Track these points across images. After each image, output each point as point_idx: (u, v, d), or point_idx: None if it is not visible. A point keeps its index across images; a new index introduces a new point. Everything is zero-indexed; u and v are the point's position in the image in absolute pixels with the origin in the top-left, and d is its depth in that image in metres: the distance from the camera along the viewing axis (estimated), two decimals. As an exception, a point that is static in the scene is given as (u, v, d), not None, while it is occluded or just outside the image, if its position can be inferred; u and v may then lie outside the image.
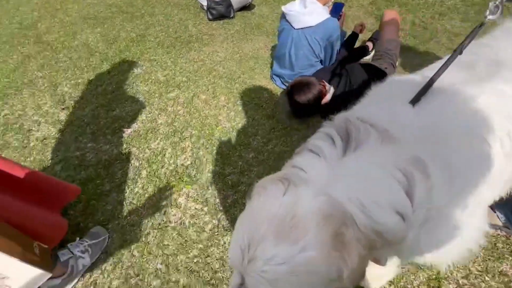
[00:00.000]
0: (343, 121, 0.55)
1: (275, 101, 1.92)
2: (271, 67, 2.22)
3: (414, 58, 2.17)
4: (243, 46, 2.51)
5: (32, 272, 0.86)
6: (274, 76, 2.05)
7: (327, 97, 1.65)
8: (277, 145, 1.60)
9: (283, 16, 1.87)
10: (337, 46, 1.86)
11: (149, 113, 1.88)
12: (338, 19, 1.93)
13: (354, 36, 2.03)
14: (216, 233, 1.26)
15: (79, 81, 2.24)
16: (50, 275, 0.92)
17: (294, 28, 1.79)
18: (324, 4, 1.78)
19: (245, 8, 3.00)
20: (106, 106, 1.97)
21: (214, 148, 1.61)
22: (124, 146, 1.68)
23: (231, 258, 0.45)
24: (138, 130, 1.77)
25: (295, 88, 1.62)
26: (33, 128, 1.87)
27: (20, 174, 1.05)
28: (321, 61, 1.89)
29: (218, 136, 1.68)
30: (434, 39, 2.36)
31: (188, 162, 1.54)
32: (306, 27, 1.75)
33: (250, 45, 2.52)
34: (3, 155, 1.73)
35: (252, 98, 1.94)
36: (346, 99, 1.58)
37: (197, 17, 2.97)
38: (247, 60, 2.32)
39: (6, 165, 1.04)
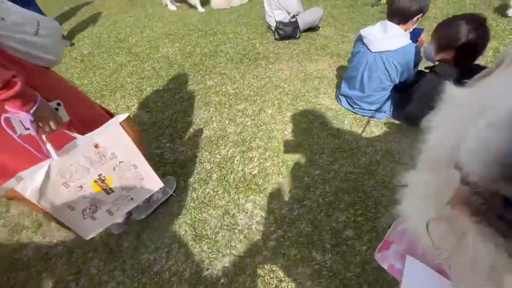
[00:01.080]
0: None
1: (340, 121, 1.94)
2: (336, 87, 2.26)
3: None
4: (307, 65, 2.60)
5: (158, 183, 1.16)
6: (340, 97, 2.08)
7: None
8: (344, 166, 1.60)
9: (360, 39, 1.91)
10: (415, 70, 1.83)
11: (220, 122, 2.06)
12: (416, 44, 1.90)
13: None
14: (281, 243, 1.30)
15: (160, 88, 2.57)
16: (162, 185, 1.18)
17: (371, 51, 1.81)
18: (405, 30, 1.78)
19: (311, 29, 3.13)
20: (182, 112, 2.21)
21: (280, 161, 1.69)
22: (198, 149, 1.86)
23: None
24: (210, 136, 1.95)
25: None
26: (124, 125, 2.20)
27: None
28: (394, 85, 1.87)
29: (284, 150, 1.75)
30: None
31: (255, 172, 1.64)
32: (384, 51, 1.76)
33: (314, 65, 2.61)
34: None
35: (317, 116, 1.99)
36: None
37: (264, 37, 3.20)
38: (311, 80, 2.40)
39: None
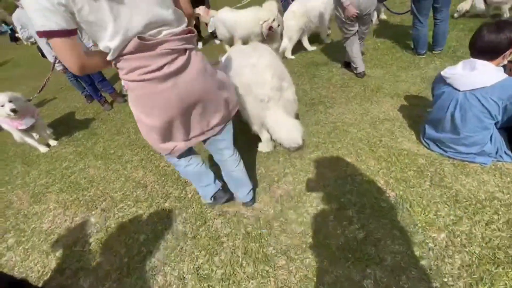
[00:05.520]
0: None
1: (438, 168, 1.70)
2: (412, 129, 2.08)
3: None
4: (370, 108, 2.49)
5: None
6: (427, 141, 1.88)
7: None
8: (475, 226, 1.32)
9: (440, 80, 1.80)
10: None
11: (295, 174, 1.89)
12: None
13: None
14: None
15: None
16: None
17: (459, 91, 1.67)
18: (497, 65, 1.65)
19: (353, 70, 3.10)
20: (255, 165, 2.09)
21: (387, 220, 1.44)
22: (279, 206, 1.67)
23: None
24: (289, 191, 1.77)
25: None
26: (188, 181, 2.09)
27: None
28: (496, 123, 1.67)
29: (387, 207, 1.51)
30: None
31: (361, 235, 1.39)
32: (478, 88, 1.61)
33: (377, 107, 2.49)
34: (166, 204, 1.95)
35: (407, 164, 1.77)
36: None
37: (312, 82, 3.20)
38: (381, 123, 2.25)
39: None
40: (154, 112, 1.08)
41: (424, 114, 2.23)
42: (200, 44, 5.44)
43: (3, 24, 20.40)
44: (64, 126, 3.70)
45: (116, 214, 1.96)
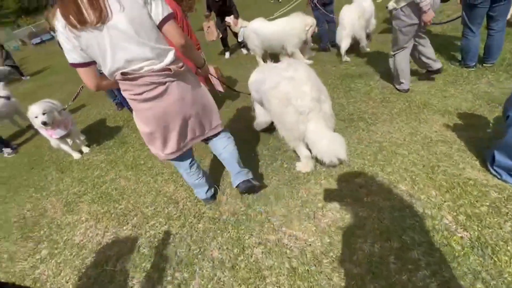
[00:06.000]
0: None
1: (515, 204, 1.46)
2: (474, 153, 1.83)
3: None
4: (418, 126, 2.26)
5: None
6: (497, 169, 1.64)
7: None
8: None
9: (512, 103, 1.56)
10: None
11: (341, 201, 1.72)
12: None
13: None
14: None
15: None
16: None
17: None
18: None
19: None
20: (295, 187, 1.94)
21: (465, 268, 1.21)
22: (327, 238, 1.49)
23: None
24: (336, 220, 1.59)
25: None
26: (222, 201, 1.97)
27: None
28: None
29: (463, 251, 1.28)
30: None
31: (434, 285, 1.18)
32: None
33: (426, 125, 2.25)
34: (200, 225, 1.84)
35: (477, 197, 1.54)
36: None
37: (348, 96, 3.02)
38: (434, 144, 2.02)
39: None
40: (140, 122, 1.40)
41: (484, 136, 1.98)
42: (227, 54, 5.43)
43: (51, 32, 21.95)
44: (95, 133, 3.77)
45: (148, 232, 1.88)
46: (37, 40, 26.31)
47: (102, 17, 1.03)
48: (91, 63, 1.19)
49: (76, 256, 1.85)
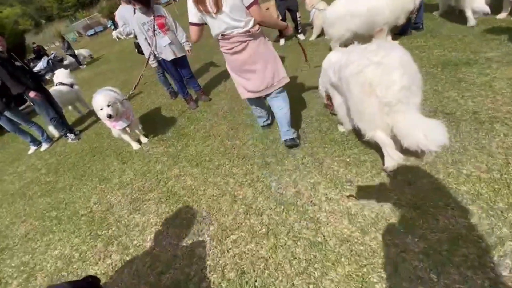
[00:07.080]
0: None
1: None
2: None
3: None
4: None
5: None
6: None
7: None
8: None
9: None
10: None
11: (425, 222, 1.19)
12: None
13: None
14: None
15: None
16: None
17: None
18: None
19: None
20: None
21: None
22: None
23: None
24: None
25: None
26: (322, 221, 1.57)
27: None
28: None
29: None
30: None
31: None
32: None
33: None
34: (299, 250, 1.46)
35: None
36: None
37: (459, 88, 2.36)
38: None
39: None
40: (230, 69, 2.04)
41: None
42: (282, 41, 4.90)
43: (109, 20, 23.33)
44: (151, 122, 3.63)
45: (231, 250, 1.56)
46: (91, 31, 28.44)
47: (218, 9, 1.66)
48: (202, 25, 1.85)
49: (150, 269, 1.62)
